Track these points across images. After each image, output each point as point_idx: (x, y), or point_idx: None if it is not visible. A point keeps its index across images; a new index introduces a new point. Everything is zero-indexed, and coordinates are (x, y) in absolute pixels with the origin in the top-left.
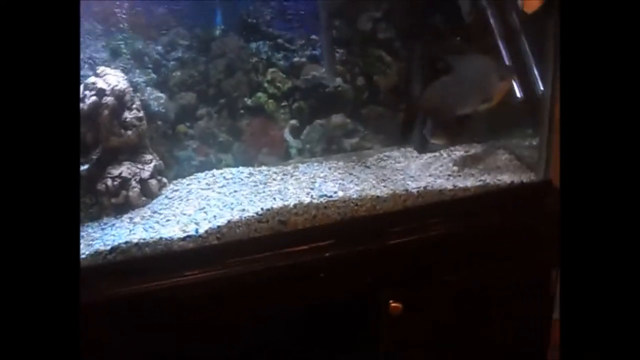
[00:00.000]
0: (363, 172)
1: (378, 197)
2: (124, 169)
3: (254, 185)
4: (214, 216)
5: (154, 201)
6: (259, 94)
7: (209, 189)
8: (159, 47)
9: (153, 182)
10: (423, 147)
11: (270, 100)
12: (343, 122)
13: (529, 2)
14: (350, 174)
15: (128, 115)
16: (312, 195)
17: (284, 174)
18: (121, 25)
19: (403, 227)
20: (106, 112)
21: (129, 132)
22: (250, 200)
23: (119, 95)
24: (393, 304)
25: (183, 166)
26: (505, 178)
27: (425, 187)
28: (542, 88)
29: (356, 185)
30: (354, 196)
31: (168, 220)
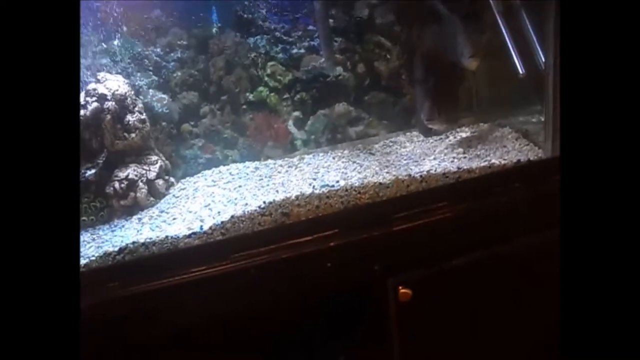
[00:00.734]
0: (367, 159)
1: (381, 183)
2: (131, 171)
3: (259, 179)
4: (218, 212)
5: (162, 201)
6: (261, 88)
7: (214, 185)
8: (158, 49)
9: (160, 182)
10: (429, 131)
11: (272, 94)
12: (346, 111)
13: None
14: (354, 162)
15: (131, 118)
16: (314, 186)
17: (289, 166)
18: (119, 31)
19: (407, 213)
20: (108, 116)
21: (133, 135)
22: (254, 195)
23: (120, 100)
24: (402, 290)
25: (190, 165)
26: (512, 157)
27: (428, 171)
28: (544, 62)
29: (359, 173)
30: (356, 184)
31: (174, 219)
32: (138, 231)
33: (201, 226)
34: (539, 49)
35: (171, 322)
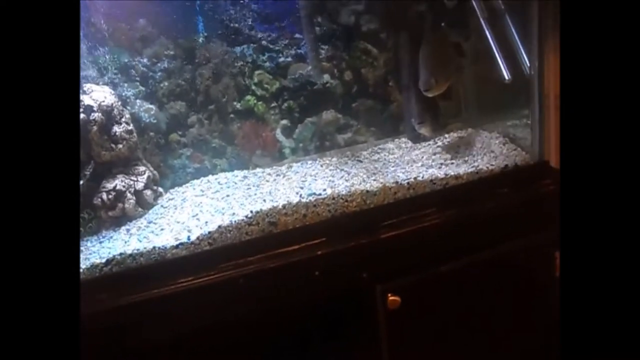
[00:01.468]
0: (354, 166)
1: (368, 191)
2: (118, 182)
3: (247, 188)
4: (206, 222)
5: (150, 211)
6: (248, 97)
7: (202, 195)
8: (145, 60)
9: (148, 192)
10: (417, 137)
11: (260, 102)
12: (334, 118)
13: None
14: (342, 170)
15: (117, 129)
16: (301, 195)
17: (277, 175)
18: (105, 41)
19: (395, 220)
20: (95, 128)
21: (120, 146)
22: (241, 204)
23: (107, 111)
24: (391, 297)
25: (179, 174)
26: (499, 162)
27: (415, 178)
28: (529, 67)
29: (346, 181)
30: (343, 192)
31: (162, 229)
32: (126, 242)
33: (188, 236)
34: (523, 53)
35: (160, 332)
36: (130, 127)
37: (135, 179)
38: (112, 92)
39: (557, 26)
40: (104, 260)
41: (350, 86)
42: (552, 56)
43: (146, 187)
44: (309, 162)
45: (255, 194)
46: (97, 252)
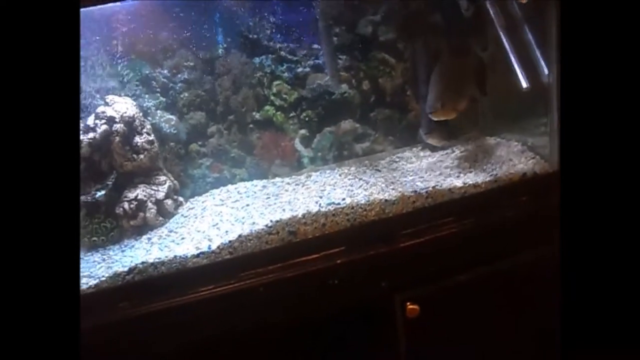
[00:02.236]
0: (373, 176)
1: (386, 200)
2: (140, 192)
3: (267, 198)
4: (226, 231)
5: (171, 220)
6: (267, 107)
7: (222, 204)
8: (165, 71)
9: (168, 202)
10: (435, 146)
11: (278, 113)
12: (352, 128)
13: None
14: (360, 179)
15: (139, 139)
16: (320, 204)
17: (296, 184)
18: (127, 54)
19: (414, 229)
20: (117, 138)
21: (141, 156)
22: (261, 213)
23: (129, 122)
24: (410, 306)
25: (198, 184)
26: (518, 170)
27: (434, 187)
28: (547, 74)
29: (364, 190)
30: (362, 201)
31: (183, 239)
32: (147, 251)
33: (209, 245)
34: (541, 61)
35: (181, 341)
36: (152, 137)
37: (156, 188)
38: (134, 103)
39: None
40: (126, 269)
41: (368, 96)
42: None
43: (167, 196)
44: (328, 171)
45: (275, 204)
46: (119, 260)
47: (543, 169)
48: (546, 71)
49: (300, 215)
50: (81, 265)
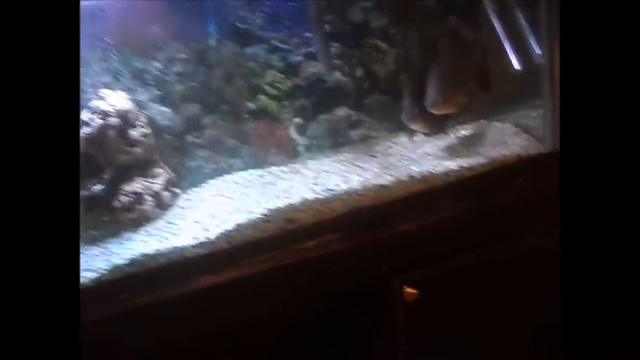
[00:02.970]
0: (368, 162)
1: (382, 186)
2: (137, 185)
3: (263, 187)
4: (224, 221)
5: (169, 212)
6: (261, 97)
7: (219, 195)
8: (158, 64)
9: (166, 194)
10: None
11: (273, 102)
12: (347, 115)
13: None
14: (355, 165)
15: (134, 132)
16: (315, 191)
17: (292, 173)
18: (119, 48)
19: (410, 214)
20: (112, 132)
21: (137, 149)
22: (258, 202)
23: (123, 115)
24: (409, 290)
25: (195, 176)
26: (513, 152)
27: (429, 171)
28: (540, 55)
29: (359, 176)
30: (358, 187)
31: (181, 230)
32: (146, 243)
33: (207, 236)
34: (533, 43)
35: (182, 331)
36: (147, 130)
37: (153, 181)
38: (128, 97)
39: None
40: (126, 262)
41: (362, 83)
42: None
43: (164, 188)
44: (324, 159)
45: (271, 192)
46: (118, 253)
47: (538, 150)
48: (538, 51)
49: (296, 203)
50: (81, 260)
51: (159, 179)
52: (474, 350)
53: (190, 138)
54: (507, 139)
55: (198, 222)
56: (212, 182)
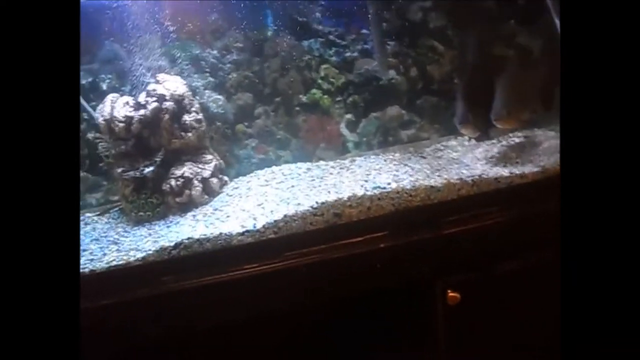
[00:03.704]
0: (418, 162)
1: (432, 187)
2: (186, 169)
3: (311, 180)
4: (271, 211)
5: (216, 199)
6: (314, 91)
7: (267, 185)
8: (215, 52)
9: (214, 180)
10: (481, 136)
11: (325, 96)
12: (398, 114)
13: None
14: (405, 165)
15: (188, 118)
16: (365, 188)
17: (340, 168)
18: (178, 33)
19: (458, 217)
20: (167, 116)
21: (189, 134)
22: (306, 195)
23: (178, 100)
24: (451, 294)
25: (243, 164)
26: None
27: (480, 176)
28: None
29: (410, 176)
30: (408, 187)
31: (228, 217)
32: (193, 227)
33: (254, 224)
34: None
35: (222, 317)
36: (200, 116)
37: (202, 167)
38: (183, 82)
39: None
40: (172, 244)
41: (415, 82)
42: None
43: (213, 175)
44: (372, 156)
45: (320, 186)
46: (165, 235)
47: None
48: None
49: (345, 198)
50: (128, 239)
51: (209, 165)
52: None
53: (240, 127)
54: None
55: (245, 211)
56: (259, 172)
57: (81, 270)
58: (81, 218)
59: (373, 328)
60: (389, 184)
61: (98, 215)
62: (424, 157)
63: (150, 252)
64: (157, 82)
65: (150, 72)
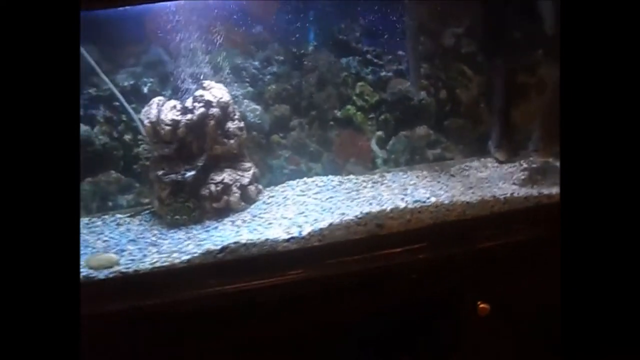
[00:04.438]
0: (449, 180)
1: (468, 202)
2: (226, 176)
3: (347, 192)
4: (315, 219)
5: (252, 206)
6: (348, 107)
7: (304, 195)
8: (256, 62)
9: (252, 188)
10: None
11: (359, 113)
12: (427, 134)
13: None
14: (438, 181)
15: (231, 125)
16: (406, 201)
17: (372, 182)
18: (222, 43)
19: (491, 232)
20: (212, 122)
21: (231, 141)
22: (348, 205)
23: (224, 107)
24: (481, 305)
25: (275, 174)
26: None
27: (511, 194)
28: None
29: (446, 192)
30: (446, 202)
31: (270, 224)
32: (237, 232)
33: (300, 231)
34: None
35: (266, 321)
36: (242, 124)
37: (241, 174)
38: (227, 90)
39: None
40: (218, 248)
41: (444, 104)
42: None
43: (250, 183)
44: (400, 173)
45: (359, 198)
46: (207, 239)
47: None
48: None
49: (388, 210)
50: (166, 241)
51: (247, 172)
52: None
53: (275, 137)
54: None
55: (287, 218)
56: (292, 182)
57: (124, 270)
58: (113, 219)
59: (407, 337)
60: (428, 198)
61: (129, 216)
62: (453, 176)
63: (196, 254)
64: (204, 88)
65: (192, 78)
